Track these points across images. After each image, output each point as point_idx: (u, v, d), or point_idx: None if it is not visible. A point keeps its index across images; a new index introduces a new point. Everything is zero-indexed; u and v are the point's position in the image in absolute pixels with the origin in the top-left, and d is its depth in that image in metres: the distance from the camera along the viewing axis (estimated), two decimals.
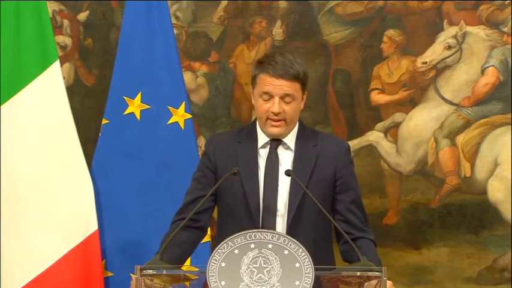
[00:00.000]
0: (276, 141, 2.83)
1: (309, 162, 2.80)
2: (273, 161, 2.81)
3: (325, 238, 2.81)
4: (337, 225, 2.70)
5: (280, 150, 2.83)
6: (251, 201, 2.77)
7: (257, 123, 2.88)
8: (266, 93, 2.78)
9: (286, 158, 2.82)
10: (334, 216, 2.80)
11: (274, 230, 2.71)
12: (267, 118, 2.79)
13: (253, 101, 2.86)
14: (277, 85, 2.76)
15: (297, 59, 2.82)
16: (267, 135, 2.83)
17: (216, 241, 2.87)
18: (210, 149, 2.89)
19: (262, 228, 2.71)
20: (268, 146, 2.83)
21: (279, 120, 2.78)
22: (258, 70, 2.81)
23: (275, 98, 2.76)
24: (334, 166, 2.81)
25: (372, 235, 2.83)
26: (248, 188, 2.78)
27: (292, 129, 2.84)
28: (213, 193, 2.81)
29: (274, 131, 2.80)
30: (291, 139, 2.84)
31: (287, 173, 2.74)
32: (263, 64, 2.80)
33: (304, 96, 2.83)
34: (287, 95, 2.77)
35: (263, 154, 2.83)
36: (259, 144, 2.84)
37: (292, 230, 2.72)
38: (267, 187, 2.78)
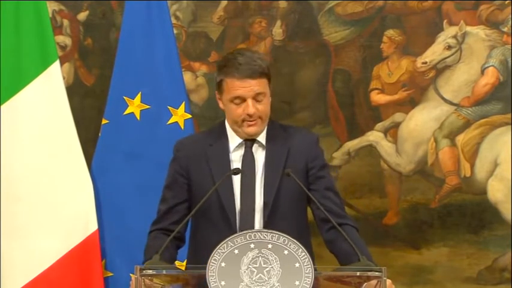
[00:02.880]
0: (250, 141, 2.82)
1: (280, 157, 2.79)
2: (249, 160, 2.80)
3: (303, 231, 2.81)
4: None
5: (255, 148, 2.83)
6: (226, 204, 2.76)
7: (226, 124, 2.86)
8: (237, 97, 2.76)
9: (261, 156, 2.81)
10: (312, 206, 2.80)
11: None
12: (243, 120, 2.78)
13: (221, 105, 2.83)
14: (247, 87, 2.74)
15: (257, 54, 2.81)
16: (242, 136, 2.82)
17: (191, 244, 2.87)
18: (180, 154, 2.87)
19: (239, 230, 2.71)
20: (243, 147, 2.82)
21: (254, 121, 2.77)
22: (222, 75, 2.78)
23: (248, 100, 2.75)
24: (305, 158, 2.81)
25: (352, 220, 2.81)
26: (222, 191, 2.76)
27: (264, 129, 2.84)
28: (187, 199, 2.81)
29: (252, 130, 2.79)
30: (262, 136, 2.84)
31: (287, 173, 2.74)
32: (226, 68, 2.76)
33: (270, 86, 2.82)
34: (258, 93, 2.76)
35: (236, 155, 2.82)
36: (232, 146, 2.83)
37: (270, 227, 2.70)
38: (244, 188, 2.77)
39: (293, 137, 2.85)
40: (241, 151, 2.82)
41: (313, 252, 2.81)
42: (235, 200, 2.77)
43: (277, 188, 2.76)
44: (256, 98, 2.76)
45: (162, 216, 2.86)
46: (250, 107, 2.75)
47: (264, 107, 2.78)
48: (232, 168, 2.78)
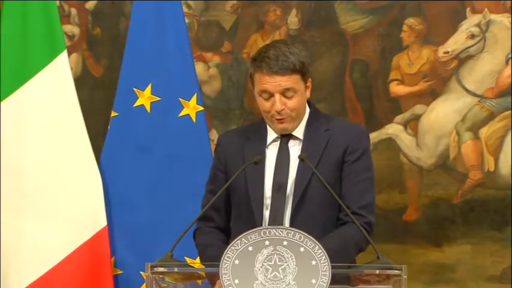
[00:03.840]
0: (285, 137, 2.82)
1: (319, 147, 2.78)
2: (283, 155, 2.79)
3: (333, 227, 2.78)
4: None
5: (291, 143, 2.82)
6: (253, 198, 2.75)
7: None
8: (264, 91, 2.76)
9: (297, 152, 2.80)
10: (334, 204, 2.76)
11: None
12: (272, 116, 2.78)
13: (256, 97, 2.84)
14: (274, 82, 2.73)
15: (292, 48, 2.76)
16: (276, 131, 2.83)
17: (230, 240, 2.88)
18: (219, 148, 2.90)
19: (269, 225, 2.69)
20: (279, 141, 2.82)
21: (283, 118, 2.76)
22: (252, 68, 2.78)
23: (275, 96, 2.74)
24: (345, 149, 2.78)
25: (367, 219, 2.75)
26: (251, 185, 2.77)
27: (301, 120, 2.82)
28: (226, 195, 2.81)
29: (282, 127, 2.79)
30: (300, 129, 2.82)
31: (300, 158, 2.72)
32: (256, 61, 2.76)
33: (309, 84, 2.80)
34: (287, 89, 2.74)
35: (272, 150, 2.81)
36: (269, 140, 2.83)
37: (295, 220, 2.71)
38: (276, 183, 2.76)
39: (336, 127, 2.82)
40: (277, 145, 2.81)
41: None
42: (265, 195, 2.76)
43: (308, 182, 2.73)
44: (284, 93, 2.75)
45: (207, 210, 2.85)
46: (277, 103, 2.74)
47: (294, 103, 2.76)
48: (265, 163, 2.77)
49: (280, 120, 2.77)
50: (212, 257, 2.68)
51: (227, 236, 2.88)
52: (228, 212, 2.88)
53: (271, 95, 2.75)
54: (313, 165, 2.71)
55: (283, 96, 2.75)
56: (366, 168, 2.82)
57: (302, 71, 2.76)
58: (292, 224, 2.69)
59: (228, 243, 2.81)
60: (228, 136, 2.96)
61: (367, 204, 2.79)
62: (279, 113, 2.75)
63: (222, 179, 2.85)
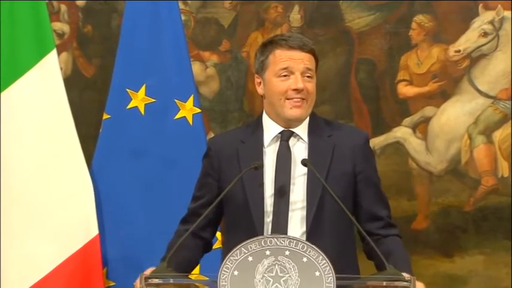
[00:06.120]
0: (286, 133, 2.79)
1: (325, 154, 2.76)
2: (284, 155, 2.76)
3: (349, 243, 2.78)
4: (360, 228, 2.65)
5: (292, 142, 2.79)
6: (252, 206, 2.73)
7: (263, 115, 2.84)
8: (285, 69, 2.74)
9: (299, 151, 2.77)
10: (358, 216, 2.77)
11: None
12: (286, 99, 2.75)
13: (260, 90, 2.81)
14: (297, 58, 2.74)
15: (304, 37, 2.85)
16: (282, 122, 2.78)
17: (223, 252, 2.87)
18: (211, 152, 2.86)
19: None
20: (278, 141, 2.78)
21: (300, 100, 2.74)
22: (269, 50, 2.78)
23: (295, 74, 2.74)
24: (353, 159, 2.77)
25: (397, 229, 2.81)
26: (249, 191, 2.74)
27: (308, 115, 2.81)
28: (219, 202, 2.76)
29: (296, 113, 2.75)
30: (302, 130, 2.79)
31: (304, 162, 2.70)
32: (274, 42, 2.78)
33: (317, 73, 2.82)
34: (308, 69, 2.75)
35: (271, 150, 2.78)
36: (266, 140, 2.80)
37: (313, 235, 2.68)
38: (278, 186, 2.73)
39: (339, 134, 2.81)
40: (277, 145, 2.79)
41: (358, 266, 2.79)
42: (266, 201, 2.73)
43: (322, 191, 2.70)
44: (304, 74, 2.75)
45: (190, 215, 2.85)
46: (299, 81, 2.73)
47: (311, 87, 2.76)
48: (264, 165, 2.74)
49: (297, 103, 2.75)
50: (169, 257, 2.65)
51: (204, 242, 2.85)
52: (211, 219, 2.84)
53: (291, 73, 2.74)
54: (322, 177, 2.68)
55: (302, 77, 2.74)
56: (379, 178, 2.84)
57: (316, 58, 2.80)
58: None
59: (199, 248, 2.81)
60: (220, 140, 2.93)
61: (391, 215, 2.84)
62: (298, 92, 2.74)
63: (214, 187, 2.82)
